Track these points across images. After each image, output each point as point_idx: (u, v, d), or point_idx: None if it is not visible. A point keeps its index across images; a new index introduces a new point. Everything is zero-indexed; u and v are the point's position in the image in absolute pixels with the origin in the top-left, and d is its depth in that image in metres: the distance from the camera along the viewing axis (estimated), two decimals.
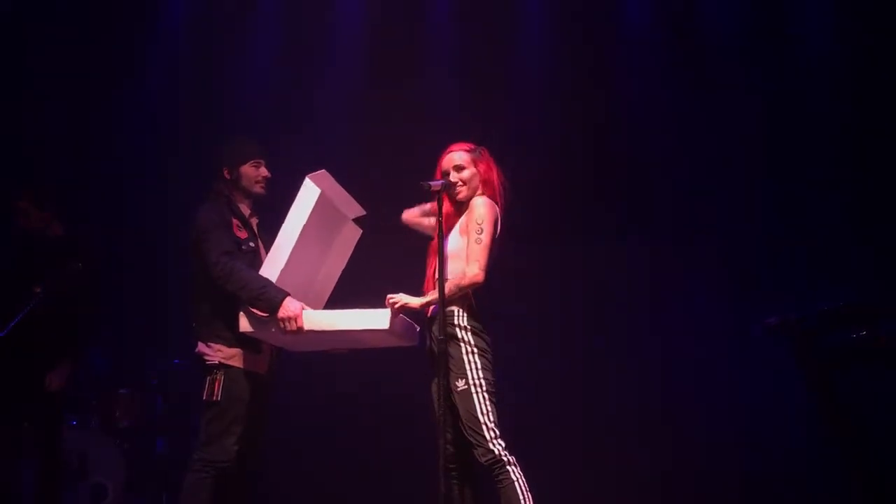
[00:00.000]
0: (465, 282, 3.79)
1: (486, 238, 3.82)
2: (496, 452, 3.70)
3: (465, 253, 3.83)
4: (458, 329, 3.82)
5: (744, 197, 6.11)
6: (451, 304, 3.81)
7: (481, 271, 3.79)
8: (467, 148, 4.03)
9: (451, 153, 4.02)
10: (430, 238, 4.06)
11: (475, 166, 3.99)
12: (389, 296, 3.82)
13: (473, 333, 3.82)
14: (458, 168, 3.98)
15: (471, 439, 3.75)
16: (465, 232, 3.87)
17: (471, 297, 3.85)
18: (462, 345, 3.81)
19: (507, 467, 3.70)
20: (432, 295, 3.79)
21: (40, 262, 4.98)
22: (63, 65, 6.52)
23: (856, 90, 5.95)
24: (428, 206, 4.20)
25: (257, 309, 3.83)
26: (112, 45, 6.60)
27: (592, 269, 6.15)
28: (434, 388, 3.89)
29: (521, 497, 3.67)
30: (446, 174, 3.98)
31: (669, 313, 6.02)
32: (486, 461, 3.72)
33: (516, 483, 3.68)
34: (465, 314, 3.84)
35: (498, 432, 3.73)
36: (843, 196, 5.86)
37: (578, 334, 6.12)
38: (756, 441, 5.71)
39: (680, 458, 5.76)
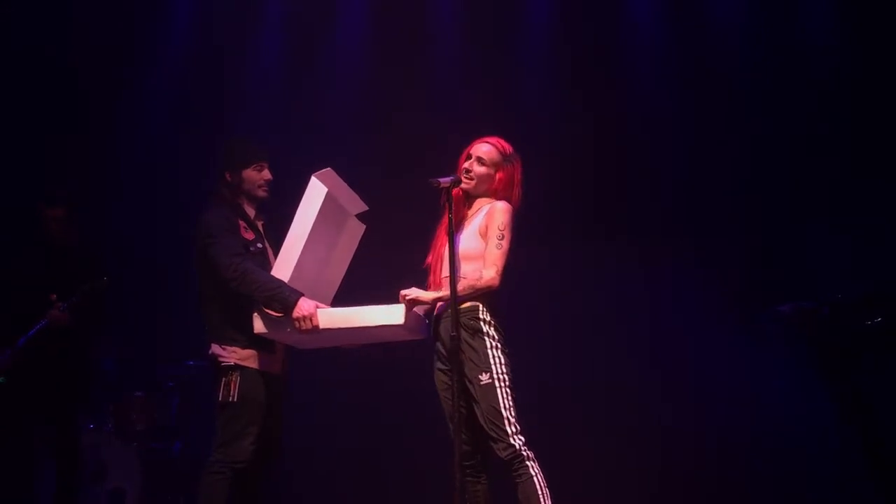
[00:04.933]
0: (481, 284, 3.80)
1: (505, 244, 3.83)
2: (516, 447, 3.70)
3: (484, 256, 3.84)
4: (482, 323, 3.82)
5: (744, 197, 6.14)
6: (474, 301, 3.83)
7: (497, 276, 3.81)
8: (501, 149, 3.98)
9: (485, 143, 3.98)
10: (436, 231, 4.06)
11: (496, 170, 3.96)
12: (403, 291, 3.83)
13: (496, 329, 3.84)
14: (480, 161, 3.95)
15: (491, 433, 3.74)
16: (484, 235, 3.87)
17: (492, 293, 3.86)
18: (486, 339, 3.81)
19: (527, 462, 3.70)
20: (444, 291, 3.81)
21: (59, 271, 5.02)
22: (63, 65, 6.52)
23: (856, 90, 5.97)
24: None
25: (272, 309, 3.84)
26: (117, 45, 6.60)
27: (593, 269, 6.16)
28: (437, 380, 3.93)
29: (539, 492, 3.66)
30: (469, 158, 3.97)
31: (670, 314, 6.03)
32: (505, 456, 3.72)
33: (535, 478, 3.68)
34: (489, 310, 3.84)
35: (519, 427, 3.73)
36: (843, 195, 5.89)
37: (578, 335, 6.12)
38: (761, 436, 5.72)
39: (682, 458, 5.79)
